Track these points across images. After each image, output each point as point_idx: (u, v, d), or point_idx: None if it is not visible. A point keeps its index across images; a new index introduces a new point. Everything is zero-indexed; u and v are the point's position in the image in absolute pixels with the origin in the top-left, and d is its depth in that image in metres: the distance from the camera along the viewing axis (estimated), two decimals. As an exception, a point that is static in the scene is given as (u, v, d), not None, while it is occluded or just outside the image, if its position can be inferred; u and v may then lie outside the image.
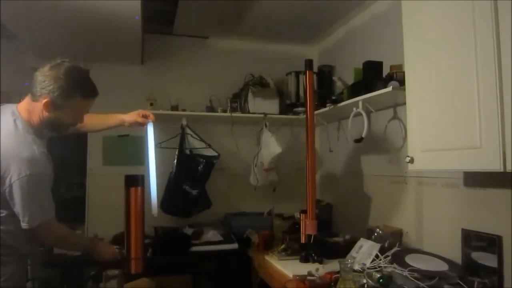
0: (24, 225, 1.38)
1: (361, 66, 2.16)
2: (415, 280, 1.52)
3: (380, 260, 1.79)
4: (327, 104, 2.38)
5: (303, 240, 2.06)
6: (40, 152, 1.41)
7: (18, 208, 1.37)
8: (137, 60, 2.88)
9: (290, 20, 2.74)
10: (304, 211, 2.09)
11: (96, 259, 1.67)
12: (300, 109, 2.85)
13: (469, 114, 1.20)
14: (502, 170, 1.09)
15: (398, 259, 1.72)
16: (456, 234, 1.65)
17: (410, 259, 1.69)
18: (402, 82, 1.73)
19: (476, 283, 1.45)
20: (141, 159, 2.84)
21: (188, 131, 2.79)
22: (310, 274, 1.73)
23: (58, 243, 1.71)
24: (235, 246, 2.48)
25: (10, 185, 1.34)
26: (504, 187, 1.47)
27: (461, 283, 1.47)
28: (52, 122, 1.47)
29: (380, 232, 2.02)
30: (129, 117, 1.86)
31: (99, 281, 1.70)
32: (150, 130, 1.83)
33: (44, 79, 1.40)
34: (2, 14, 1.94)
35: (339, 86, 2.55)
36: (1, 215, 1.38)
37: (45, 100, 1.40)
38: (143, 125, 1.85)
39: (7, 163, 1.34)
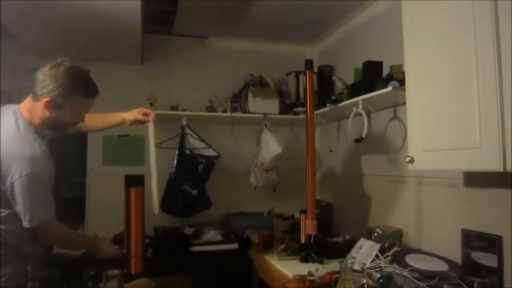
0: (25, 223, 1.38)
1: (361, 66, 2.16)
2: (415, 280, 1.52)
3: (380, 260, 1.79)
4: (327, 104, 2.38)
5: (303, 240, 2.06)
6: (42, 151, 1.41)
7: (19, 207, 1.37)
8: (137, 60, 2.89)
9: (290, 20, 2.74)
10: (304, 211, 2.09)
11: (96, 257, 1.67)
12: (300, 109, 2.85)
13: (469, 114, 1.20)
14: (502, 170, 1.09)
15: (398, 259, 1.72)
16: (456, 234, 1.65)
17: (410, 259, 1.69)
18: (402, 82, 1.73)
19: (476, 283, 1.45)
20: (141, 159, 2.85)
21: (188, 131, 2.79)
22: (310, 274, 1.73)
23: (58, 243, 1.71)
24: (235, 246, 2.48)
25: (12, 184, 1.34)
26: (504, 187, 1.46)
27: (461, 283, 1.47)
28: (53, 122, 1.47)
29: (380, 232, 2.02)
30: (130, 115, 1.86)
31: (99, 281, 1.71)
32: (151, 128, 1.83)
33: (45, 78, 1.40)
34: (2, 14, 1.94)
35: (339, 86, 2.55)
36: (2, 214, 1.38)
37: (45, 100, 1.41)
38: (144, 123, 1.85)
39: (8, 162, 1.34)
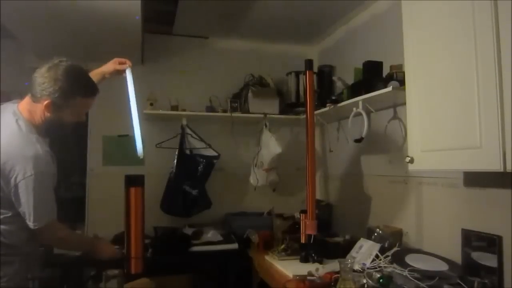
0: (30, 224, 1.38)
1: (361, 66, 2.16)
2: (415, 280, 1.52)
3: (380, 260, 1.79)
4: (327, 104, 2.38)
5: (303, 240, 2.06)
6: (45, 151, 1.41)
7: (24, 207, 1.36)
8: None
9: (290, 20, 2.74)
10: (304, 211, 2.09)
11: (96, 257, 1.67)
12: (300, 109, 2.85)
13: (469, 114, 1.20)
14: (502, 170, 1.09)
15: (398, 259, 1.72)
16: (456, 234, 1.65)
17: (410, 259, 1.69)
18: (402, 82, 1.73)
19: (476, 283, 1.45)
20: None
21: (188, 131, 2.79)
22: (310, 274, 1.73)
23: (59, 244, 1.71)
24: (235, 246, 2.47)
25: (16, 185, 1.34)
26: (504, 187, 1.46)
27: (461, 283, 1.47)
28: (55, 122, 1.47)
29: (380, 232, 2.02)
30: (107, 67, 1.81)
31: (99, 281, 1.70)
32: (129, 76, 1.79)
33: (44, 80, 1.40)
34: (2, 14, 1.94)
35: (339, 86, 2.55)
36: (5, 215, 1.37)
37: (46, 102, 1.40)
38: (122, 72, 1.80)
39: (11, 163, 1.34)
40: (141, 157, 1.71)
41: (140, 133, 1.69)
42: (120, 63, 1.80)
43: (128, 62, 1.80)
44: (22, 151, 1.36)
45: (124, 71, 1.78)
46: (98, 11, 1.99)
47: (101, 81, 1.82)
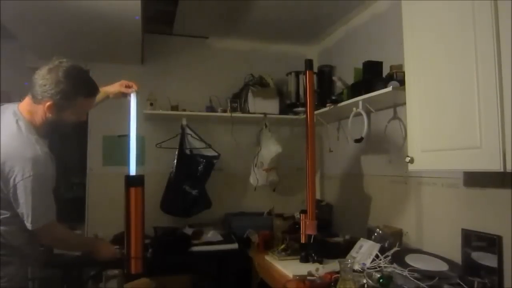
0: (28, 225, 1.38)
1: (361, 66, 2.16)
2: (415, 280, 1.52)
3: (380, 260, 1.79)
4: (327, 104, 2.38)
5: (303, 240, 2.06)
6: (44, 153, 1.41)
7: (22, 208, 1.36)
8: (137, 60, 2.88)
9: (290, 20, 2.74)
10: (304, 211, 2.09)
11: (96, 258, 1.67)
12: (300, 109, 2.85)
13: (469, 114, 1.20)
14: (502, 170, 1.09)
15: (398, 259, 1.72)
16: (456, 234, 1.65)
17: (410, 259, 1.69)
18: (402, 82, 1.73)
19: (476, 283, 1.45)
20: (141, 159, 2.85)
21: (188, 131, 2.79)
22: (310, 274, 1.73)
23: (58, 244, 1.71)
24: (235, 246, 2.47)
25: (14, 186, 1.34)
26: (504, 187, 1.46)
27: (461, 283, 1.47)
28: (56, 123, 1.47)
29: (380, 232, 2.01)
30: (113, 88, 1.80)
31: (99, 281, 1.71)
32: (134, 99, 1.78)
33: (45, 82, 1.40)
34: (2, 14, 1.94)
35: (339, 86, 2.55)
36: (4, 216, 1.37)
37: (48, 103, 1.41)
38: (127, 95, 1.80)
39: (11, 164, 1.34)
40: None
41: (135, 156, 1.70)
42: (127, 86, 1.80)
43: (135, 86, 1.80)
44: (21, 152, 1.36)
45: (129, 94, 1.79)
46: (98, 11, 1.99)
47: (103, 100, 1.82)
